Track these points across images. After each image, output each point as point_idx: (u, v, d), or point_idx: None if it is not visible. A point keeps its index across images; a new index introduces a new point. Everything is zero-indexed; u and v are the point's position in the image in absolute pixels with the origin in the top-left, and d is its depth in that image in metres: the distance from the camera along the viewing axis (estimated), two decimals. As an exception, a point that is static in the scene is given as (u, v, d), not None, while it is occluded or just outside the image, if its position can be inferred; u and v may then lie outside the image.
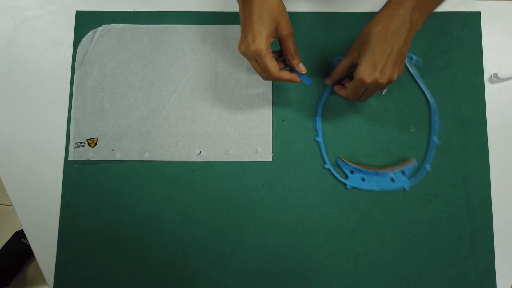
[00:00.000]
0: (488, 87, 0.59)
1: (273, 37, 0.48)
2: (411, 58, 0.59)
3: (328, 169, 0.58)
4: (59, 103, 0.61)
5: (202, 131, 0.60)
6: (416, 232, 0.57)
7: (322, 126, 0.59)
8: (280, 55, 0.52)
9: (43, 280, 1.31)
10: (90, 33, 0.62)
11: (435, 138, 0.57)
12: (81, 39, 0.62)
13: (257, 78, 0.61)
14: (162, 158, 0.59)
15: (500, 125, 0.59)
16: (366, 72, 0.46)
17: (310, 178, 0.58)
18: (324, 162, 0.58)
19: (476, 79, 0.59)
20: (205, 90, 0.60)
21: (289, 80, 0.51)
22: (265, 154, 0.59)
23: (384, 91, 0.56)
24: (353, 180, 0.57)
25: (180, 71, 0.61)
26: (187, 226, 0.58)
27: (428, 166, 0.57)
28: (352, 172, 0.58)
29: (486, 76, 0.60)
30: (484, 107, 0.59)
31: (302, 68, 0.52)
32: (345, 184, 0.58)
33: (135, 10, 0.63)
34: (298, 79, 0.52)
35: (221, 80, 0.61)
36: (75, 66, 0.61)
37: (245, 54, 0.47)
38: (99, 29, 0.62)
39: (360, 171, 0.57)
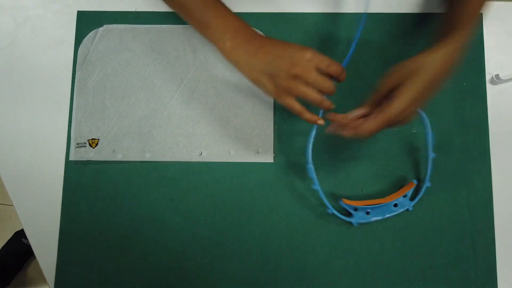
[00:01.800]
0: (490, 88, 0.59)
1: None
2: None
3: (333, 214, 0.56)
4: (60, 103, 0.61)
5: (203, 131, 0.59)
6: (417, 233, 0.57)
7: (317, 169, 0.54)
8: None
9: (43, 280, 1.31)
10: (91, 33, 0.62)
11: (431, 153, 0.55)
12: (83, 39, 0.62)
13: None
14: (163, 159, 0.59)
15: (502, 127, 0.59)
16: (401, 109, 0.42)
17: (311, 179, 0.58)
18: (327, 207, 0.56)
19: (477, 80, 0.59)
20: (206, 90, 0.60)
21: (328, 108, 0.47)
22: (266, 155, 0.59)
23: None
24: (358, 217, 0.56)
25: (181, 71, 0.61)
26: (188, 226, 0.58)
27: (428, 183, 0.56)
28: (356, 210, 0.56)
29: (488, 77, 0.60)
30: (485, 108, 0.59)
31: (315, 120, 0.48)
32: (351, 223, 0.57)
33: (137, 10, 0.63)
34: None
35: (222, 80, 0.61)
36: (77, 66, 0.61)
37: (305, 67, 0.44)
38: (101, 29, 0.62)
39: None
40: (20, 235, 1.31)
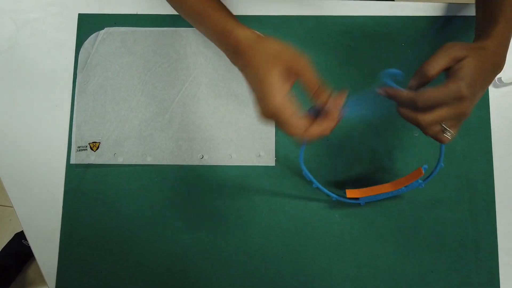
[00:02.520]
0: (492, 92, 0.59)
1: (288, 81, 0.39)
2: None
3: (337, 200, 0.56)
4: (61, 106, 0.61)
5: (204, 135, 0.59)
6: (419, 237, 0.57)
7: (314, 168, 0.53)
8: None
9: (43, 282, 1.30)
10: (92, 36, 0.62)
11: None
12: (83, 42, 0.62)
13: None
14: (164, 162, 0.59)
15: (504, 130, 0.58)
16: (469, 84, 0.38)
17: (313, 183, 0.58)
18: (331, 197, 0.56)
19: (480, 83, 0.59)
20: (208, 93, 0.60)
21: (321, 135, 0.39)
22: (268, 158, 0.59)
23: (449, 133, 0.42)
24: (366, 197, 0.56)
25: (182, 74, 0.61)
26: (189, 230, 0.58)
27: (442, 164, 0.49)
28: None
29: (490, 80, 0.59)
30: (488, 111, 0.59)
31: (337, 100, 0.40)
32: (359, 203, 0.56)
33: (138, 13, 0.62)
34: (331, 125, 0.40)
35: (224, 83, 0.60)
36: (77, 69, 0.61)
37: (264, 119, 0.39)
38: (102, 32, 0.62)
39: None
40: (20, 236, 1.31)
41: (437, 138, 0.42)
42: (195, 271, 0.57)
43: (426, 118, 0.39)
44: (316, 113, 0.41)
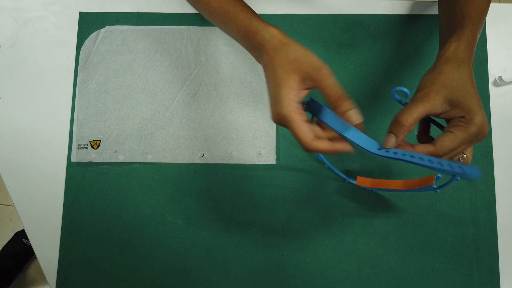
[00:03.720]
0: (493, 90, 0.59)
1: (305, 89, 0.39)
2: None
3: (350, 183, 0.56)
4: (62, 104, 0.61)
5: (205, 133, 0.59)
6: (420, 236, 0.57)
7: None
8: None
9: (43, 281, 1.31)
10: (93, 34, 0.62)
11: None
12: (84, 40, 0.62)
13: (261, 80, 0.60)
14: (165, 161, 0.59)
15: (504, 128, 0.58)
16: (484, 118, 0.37)
17: (313, 181, 0.58)
18: (344, 179, 0.57)
19: (480, 82, 0.59)
20: (208, 92, 0.60)
21: (329, 152, 0.39)
22: (268, 156, 0.59)
23: (462, 158, 0.41)
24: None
25: (183, 73, 0.61)
26: (190, 228, 0.58)
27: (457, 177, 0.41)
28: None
29: (491, 79, 0.59)
30: (488, 110, 0.59)
31: (353, 116, 0.37)
32: (372, 190, 0.56)
33: (139, 11, 0.62)
34: (343, 147, 0.39)
35: (224, 82, 0.60)
36: (78, 67, 0.61)
37: (277, 123, 0.39)
38: (103, 30, 0.62)
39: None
40: (20, 235, 1.31)
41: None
42: (196, 269, 0.57)
43: (445, 157, 0.38)
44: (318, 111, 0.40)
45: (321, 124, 0.40)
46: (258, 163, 0.59)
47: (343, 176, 0.56)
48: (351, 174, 0.58)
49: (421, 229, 0.57)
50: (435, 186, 0.46)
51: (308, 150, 0.38)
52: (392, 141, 0.39)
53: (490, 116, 0.59)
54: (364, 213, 0.57)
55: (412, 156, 0.37)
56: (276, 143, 0.59)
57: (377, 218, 0.57)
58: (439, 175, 0.46)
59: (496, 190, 0.57)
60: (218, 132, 0.59)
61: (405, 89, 0.39)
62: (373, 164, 0.58)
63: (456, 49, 0.41)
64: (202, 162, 0.59)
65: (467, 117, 0.37)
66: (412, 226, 0.57)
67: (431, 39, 0.60)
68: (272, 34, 0.41)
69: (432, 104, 0.37)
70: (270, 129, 0.59)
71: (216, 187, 0.58)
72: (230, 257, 0.57)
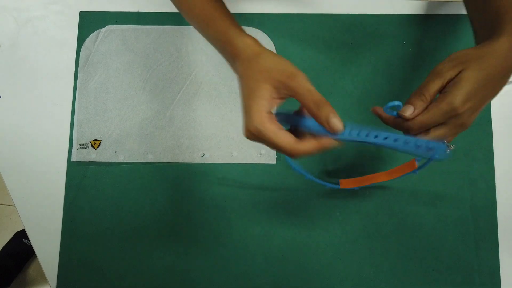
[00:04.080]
0: (494, 90, 0.59)
1: (278, 99, 0.37)
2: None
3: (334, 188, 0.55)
4: (62, 104, 0.61)
5: (206, 133, 0.59)
6: (421, 235, 0.57)
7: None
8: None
9: (43, 280, 1.30)
10: (93, 34, 0.62)
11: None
12: (85, 39, 0.62)
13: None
14: (165, 160, 0.59)
15: (505, 128, 0.58)
16: (465, 99, 0.35)
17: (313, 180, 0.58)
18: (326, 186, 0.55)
19: (481, 82, 0.59)
20: (209, 91, 0.60)
21: (317, 151, 0.37)
22: (269, 156, 0.59)
23: (450, 148, 0.39)
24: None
25: (184, 72, 0.61)
26: (190, 228, 0.58)
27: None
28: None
29: (492, 79, 0.59)
30: (489, 109, 0.59)
31: (336, 124, 0.35)
32: (355, 190, 0.56)
33: (139, 11, 0.62)
34: (330, 142, 0.37)
35: (225, 81, 0.60)
36: (79, 67, 0.61)
37: (251, 139, 0.37)
38: (103, 30, 0.62)
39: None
40: (20, 235, 1.30)
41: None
42: (196, 268, 0.57)
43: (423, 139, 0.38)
44: (292, 119, 0.39)
45: (295, 132, 0.38)
46: (259, 162, 0.59)
47: (325, 183, 0.54)
48: (333, 174, 0.57)
49: (421, 229, 0.57)
50: (419, 165, 0.45)
51: (294, 155, 0.36)
52: (409, 111, 0.37)
53: (490, 115, 0.59)
54: (364, 213, 0.57)
55: (385, 138, 0.38)
56: (276, 143, 0.59)
57: (378, 218, 0.57)
58: (419, 158, 0.46)
59: (497, 189, 0.57)
60: (219, 132, 0.59)
61: (397, 103, 0.38)
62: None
63: (490, 47, 0.37)
64: (202, 161, 0.59)
65: (446, 92, 0.36)
66: (413, 226, 0.57)
67: (432, 39, 0.60)
68: (246, 44, 0.39)
69: (449, 76, 0.36)
70: (270, 128, 0.59)
71: (216, 186, 0.58)
72: (230, 256, 0.57)
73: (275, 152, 0.59)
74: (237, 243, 0.57)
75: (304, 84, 0.35)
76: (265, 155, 0.59)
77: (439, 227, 0.57)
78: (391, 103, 0.38)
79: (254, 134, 0.36)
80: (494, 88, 0.37)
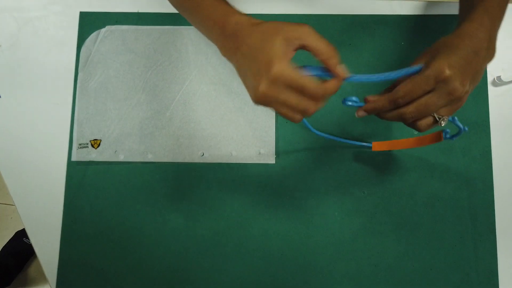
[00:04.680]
0: (492, 90, 0.59)
1: (292, 51, 0.36)
2: None
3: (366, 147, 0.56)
4: (62, 104, 0.61)
5: (205, 133, 0.60)
6: (419, 235, 0.57)
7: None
8: None
9: (44, 280, 1.31)
10: (93, 34, 0.62)
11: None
12: (85, 40, 0.62)
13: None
14: (165, 160, 0.59)
15: (503, 128, 0.59)
16: (447, 64, 0.36)
17: (313, 180, 0.58)
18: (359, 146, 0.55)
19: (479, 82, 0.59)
20: (208, 92, 0.60)
21: (334, 90, 0.38)
22: (268, 156, 0.59)
23: (443, 121, 0.40)
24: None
25: (183, 72, 0.61)
26: (190, 227, 0.58)
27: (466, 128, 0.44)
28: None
29: (490, 79, 0.60)
30: (487, 110, 0.59)
31: (342, 71, 0.38)
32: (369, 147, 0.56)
33: (139, 11, 0.63)
34: (338, 83, 0.38)
35: (224, 81, 0.61)
36: (79, 67, 0.61)
37: (268, 91, 0.36)
38: (103, 30, 0.62)
39: None
40: (21, 234, 1.31)
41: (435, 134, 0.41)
42: (196, 268, 0.57)
43: (410, 108, 0.38)
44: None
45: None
46: (258, 162, 0.59)
47: (357, 143, 0.56)
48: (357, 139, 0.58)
49: (420, 228, 0.57)
50: (448, 136, 0.45)
51: (322, 95, 0.36)
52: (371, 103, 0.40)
53: (488, 115, 0.59)
54: (363, 212, 0.58)
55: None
56: (275, 143, 0.59)
57: (376, 217, 0.58)
58: (448, 130, 0.46)
59: (494, 189, 0.57)
60: (218, 132, 0.60)
61: (354, 98, 0.42)
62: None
63: (458, 31, 0.40)
64: (202, 161, 0.59)
65: (429, 62, 0.37)
66: (411, 225, 0.57)
67: (430, 39, 0.60)
68: (246, 17, 0.39)
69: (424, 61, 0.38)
70: (269, 128, 0.59)
71: (216, 186, 0.59)
72: (229, 256, 0.58)
73: (274, 151, 0.59)
74: (236, 243, 0.58)
75: (314, 33, 0.36)
76: (264, 155, 0.59)
77: (437, 227, 0.57)
78: (350, 97, 0.42)
79: (276, 80, 0.35)
80: (471, 63, 0.38)
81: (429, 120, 0.40)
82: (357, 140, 0.58)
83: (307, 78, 0.35)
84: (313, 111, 0.37)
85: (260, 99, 0.37)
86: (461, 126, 0.42)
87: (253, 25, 0.38)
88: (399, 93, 0.38)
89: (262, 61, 0.35)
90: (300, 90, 0.36)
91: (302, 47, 0.37)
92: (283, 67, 0.35)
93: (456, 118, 0.42)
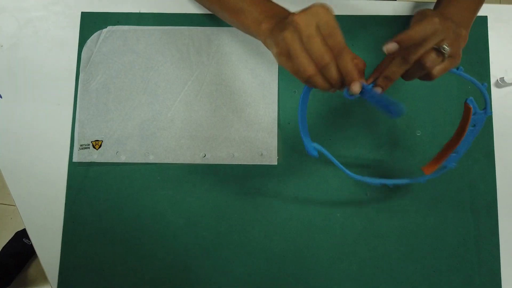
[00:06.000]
0: (495, 92, 0.59)
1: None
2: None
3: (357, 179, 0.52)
4: (64, 104, 0.61)
5: (207, 134, 0.59)
6: (421, 236, 0.57)
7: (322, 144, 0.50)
8: None
9: (44, 280, 1.30)
10: (95, 35, 0.62)
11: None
12: (86, 40, 0.62)
13: (262, 80, 0.60)
14: (166, 161, 0.59)
15: (506, 130, 0.59)
16: (435, 17, 0.38)
17: (315, 181, 0.58)
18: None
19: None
20: (210, 92, 0.60)
21: (351, 70, 0.39)
22: (270, 157, 0.59)
23: (446, 48, 0.40)
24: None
25: (185, 73, 0.61)
26: (191, 229, 0.58)
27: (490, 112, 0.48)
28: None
29: (493, 80, 0.59)
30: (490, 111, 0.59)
31: (355, 87, 0.40)
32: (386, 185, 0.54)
33: (141, 11, 0.62)
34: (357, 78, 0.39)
35: (226, 82, 0.60)
36: (80, 67, 0.61)
37: (303, 19, 0.37)
38: (104, 30, 0.62)
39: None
40: (21, 235, 1.30)
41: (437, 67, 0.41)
42: (197, 269, 0.57)
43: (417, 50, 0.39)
44: None
45: None
46: (260, 163, 0.59)
47: (408, 181, 0.52)
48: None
49: (422, 230, 0.57)
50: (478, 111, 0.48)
51: (343, 46, 0.38)
52: (391, 47, 0.39)
53: (491, 117, 0.59)
54: (365, 214, 0.57)
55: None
56: (277, 144, 0.59)
57: (378, 219, 0.57)
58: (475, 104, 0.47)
59: (497, 191, 0.57)
60: (220, 133, 0.59)
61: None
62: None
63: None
64: (203, 162, 0.59)
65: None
66: (413, 227, 0.57)
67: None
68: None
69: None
70: (272, 130, 0.59)
71: (217, 187, 0.58)
72: (231, 257, 0.57)
73: (276, 153, 0.59)
74: (237, 244, 0.58)
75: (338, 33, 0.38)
76: (266, 156, 0.59)
77: (440, 229, 0.57)
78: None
79: (316, 13, 0.36)
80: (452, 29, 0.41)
81: (432, 55, 0.40)
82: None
83: (340, 32, 0.37)
84: (326, 70, 0.38)
85: (289, 27, 0.37)
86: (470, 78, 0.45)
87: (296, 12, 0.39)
88: (404, 39, 0.38)
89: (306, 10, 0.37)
90: (329, 32, 0.37)
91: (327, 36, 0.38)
92: (328, 11, 0.36)
93: (462, 68, 0.44)
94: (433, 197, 0.57)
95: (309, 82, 0.40)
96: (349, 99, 0.42)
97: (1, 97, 0.61)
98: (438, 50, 0.40)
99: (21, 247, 1.28)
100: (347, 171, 0.50)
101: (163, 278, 0.57)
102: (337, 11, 0.62)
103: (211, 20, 0.62)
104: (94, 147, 0.59)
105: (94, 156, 0.59)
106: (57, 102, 0.61)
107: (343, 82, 0.40)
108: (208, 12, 0.62)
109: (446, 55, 0.40)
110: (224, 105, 0.60)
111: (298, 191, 0.58)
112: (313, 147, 0.47)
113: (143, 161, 0.59)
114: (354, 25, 0.61)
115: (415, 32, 0.38)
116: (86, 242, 0.58)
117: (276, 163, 0.59)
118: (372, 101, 0.43)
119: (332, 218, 0.58)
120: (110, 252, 0.58)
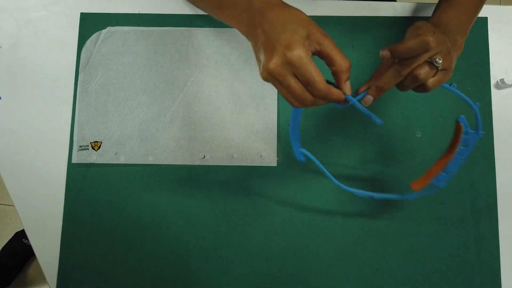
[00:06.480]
0: (495, 93, 0.59)
1: (311, 49, 0.38)
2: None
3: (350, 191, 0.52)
4: (63, 105, 0.61)
5: (206, 135, 0.59)
6: (421, 237, 0.57)
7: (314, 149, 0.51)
8: None
9: (43, 281, 1.30)
10: (94, 35, 0.62)
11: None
12: (85, 41, 0.62)
13: (262, 81, 0.60)
14: (166, 162, 0.59)
15: (506, 131, 0.58)
16: (430, 34, 0.38)
17: (314, 183, 0.58)
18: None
19: (482, 84, 0.59)
20: (209, 93, 0.60)
21: (336, 99, 0.39)
22: (269, 158, 0.59)
23: (438, 61, 0.41)
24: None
25: (184, 74, 0.61)
26: (191, 230, 0.58)
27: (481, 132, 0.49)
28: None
29: (493, 81, 0.59)
30: (490, 113, 0.59)
31: (347, 88, 0.40)
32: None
33: (140, 12, 0.62)
34: (343, 96, 0.40)
35: (225, 83, 0.60)
36: (79, 68, 0.61)
37: (277, 69, 0.36)
38: (104, 31, 0.62)
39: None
40: (20, 235, 1.30)
41: (430, 81, 0.42)
42: (197, 269, 0.57)
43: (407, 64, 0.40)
44: None
45: None
46: (259, 165, 0.59)
47: (395, 197, 0.52)
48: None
49: (422, 231, 0.57)
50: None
51: (324, 95, 0.38)
52: (384, 53, 0.40)
53: (492, 118, 0.58)
54: (365, 215, 0.57)
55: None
56: (277, 145, 0.59)
57: (378, 220, 0.57)
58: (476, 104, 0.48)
59: (497, 192, 0.57)
60: (219, 134, 0.59)
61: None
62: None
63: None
64: (203, 163, 0.59)
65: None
66: (414, 228, 0.57)
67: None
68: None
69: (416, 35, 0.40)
70: (271, 131, 0.59)
71: (217, 188, 0.58)
72: (231, 258, 0.57)
73: (275, 154, 0.58)
74: (237, 245, 0.57)
75: (335, 46, 0.38)
76: (265, 158, 0.59)
77: (440, 229, 0.57)
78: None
79: (288, 64, 0.36)
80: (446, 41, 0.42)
81: (425, 68, 0.40)
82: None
83: (320, 74, 0.37)
84: (310, 104, 0.39)
85: (267, 74, 0.38)
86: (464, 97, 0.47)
87: (281, 6, 0.40)
88: (399, 50, 0.39)
89: (282, 40, 0.36)
90: (306, 82, 0.37)
91: (318, 53, 0.38)
92: (304, 54, 0.36)
93: (455, 84, 0.46)
94: (433, 197, 0.57)
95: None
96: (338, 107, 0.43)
97: (0, 98, 0.61)
98: (431, 63, 0.40)
99: (21, 247, 1.28)
100: (335, 180, 0.51)
101: (162, 278, 0.57)
102: (337, 12, 0.62)
103: (210, 21, 0.62)
104: (93, 148, 0.59)
105: (93, 157, 0.59)
106: (56, 103, 0.61)
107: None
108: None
109: (439, 68, 0.41)
110: (224, 106, 0.60)
111: (297, 192, 0.58)
112: (301, 152, 0.48)
113: (142, 162, 0.59)
114: (354, 26, 0.61)
115: (408, 49, 0.38)
116: (85, 243, 0.58)
117: (275, 164, 0.58)
118: (358, 107, 0.44)
119: (332, 218, 0.57)
120: (109, 253, 0.58)
